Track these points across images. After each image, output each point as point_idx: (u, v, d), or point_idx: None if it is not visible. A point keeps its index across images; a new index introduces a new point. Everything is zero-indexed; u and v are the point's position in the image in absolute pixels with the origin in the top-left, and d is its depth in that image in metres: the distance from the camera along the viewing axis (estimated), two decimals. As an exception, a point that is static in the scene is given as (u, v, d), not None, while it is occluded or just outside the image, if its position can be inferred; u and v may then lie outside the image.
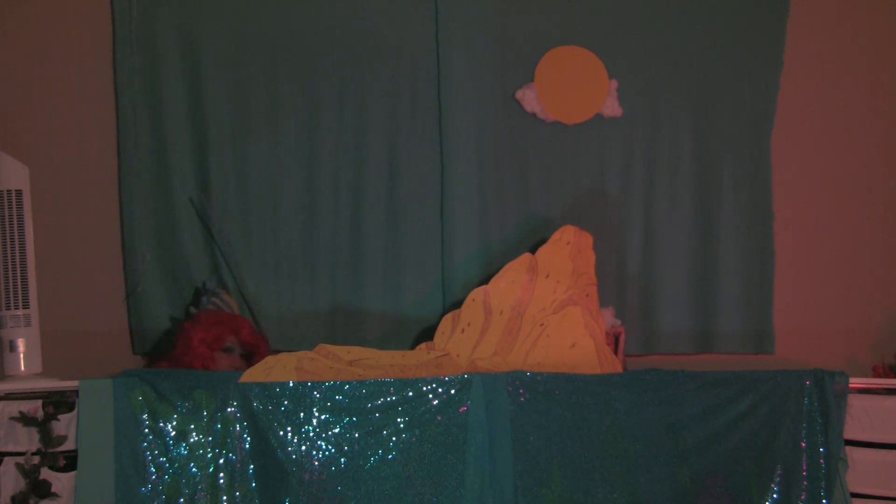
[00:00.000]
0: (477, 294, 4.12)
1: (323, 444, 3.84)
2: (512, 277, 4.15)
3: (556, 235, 4.24)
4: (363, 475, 3.84)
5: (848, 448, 4.19)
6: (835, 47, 4.86)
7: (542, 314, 4.16)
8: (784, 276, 4.80)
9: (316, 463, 3.82)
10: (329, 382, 3.87)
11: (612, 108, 4.67)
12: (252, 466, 3.82)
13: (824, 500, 4.13)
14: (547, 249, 4.21)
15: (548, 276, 4.18)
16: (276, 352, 4.09)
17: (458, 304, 4.26)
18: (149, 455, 3.76)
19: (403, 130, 4.58)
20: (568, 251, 4.22)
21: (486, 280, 4.31)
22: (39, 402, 3.75)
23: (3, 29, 4.35)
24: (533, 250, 4.27)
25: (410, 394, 3.91)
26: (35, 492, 3.70)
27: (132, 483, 3.73)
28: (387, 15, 4.55)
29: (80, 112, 4.40)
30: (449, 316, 4.11)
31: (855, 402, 4.19)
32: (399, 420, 3.88)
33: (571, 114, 4.66)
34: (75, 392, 3.76)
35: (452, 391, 3.94)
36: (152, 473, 3.76)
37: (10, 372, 3.91)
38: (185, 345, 4.00)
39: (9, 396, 3.76)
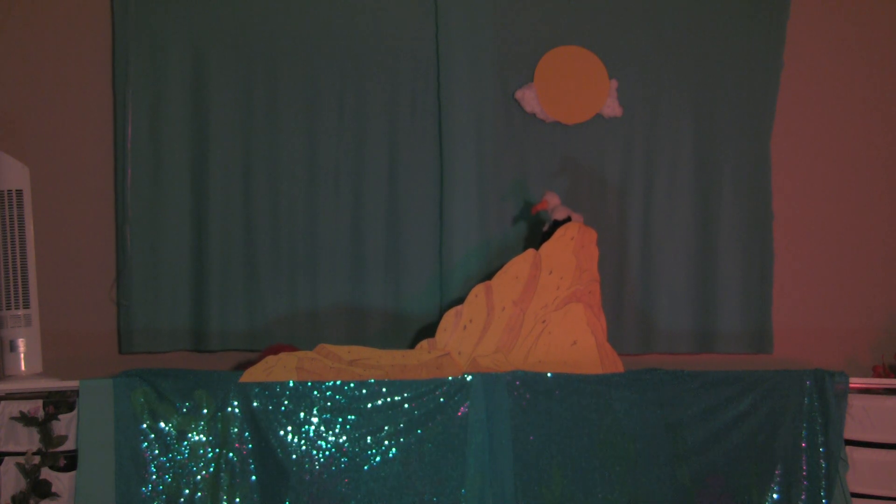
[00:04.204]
0: (479, 290, 4.12)
1: (323, 443, 3.84)
2: (515, 273, 4.14)
3: (559, 231, 4.23)
4: (363, 475, 3.84)
5: (848, 448, 4.19)
6: (835, 47, 4.87)
7: (544, 311, 4.16)
8: (784, 275, 4.80)
9: (316, 463, 3.82)
10: (329, 382, 3.87)
11: (612, 108, 4.67)
12: (252, 466, 3.82)
13: (824, 500, 4.14)
14: (551, 245, 4.20)
15: (551, 272, 4.17)
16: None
17: (455, 302, 4.27)
18: (149, 455, 3.76)
19: (403, 130, 4.58)
20: (572, 247, 4.22)
21: (484, 277, 4.31)
22: (40, 402, 3.75)
23: (3, 29, 4.35)
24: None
25: (411, 394, 3.91)
26: (35, 492, 3.70)
27: (132, 483, 3.73)
28: (387, 15, 4.56)
29: (79, 112, 4.40)
30: (451, 311, 4.10)
31: (855, 402, 4.20)
32: (399, 420, 3.89)
33: (571, 114, 4.66)
34: (76, 392, 3.76)
35: (453, 391, 3.94)
36: (152, 473, 3.75)
37: (11, 372, 3.91)
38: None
39: (9, 396, 3.76)
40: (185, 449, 3.78)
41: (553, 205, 4.37)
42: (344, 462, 3.84)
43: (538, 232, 4.47)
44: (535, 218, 4.54)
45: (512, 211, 4.64)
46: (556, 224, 4.30)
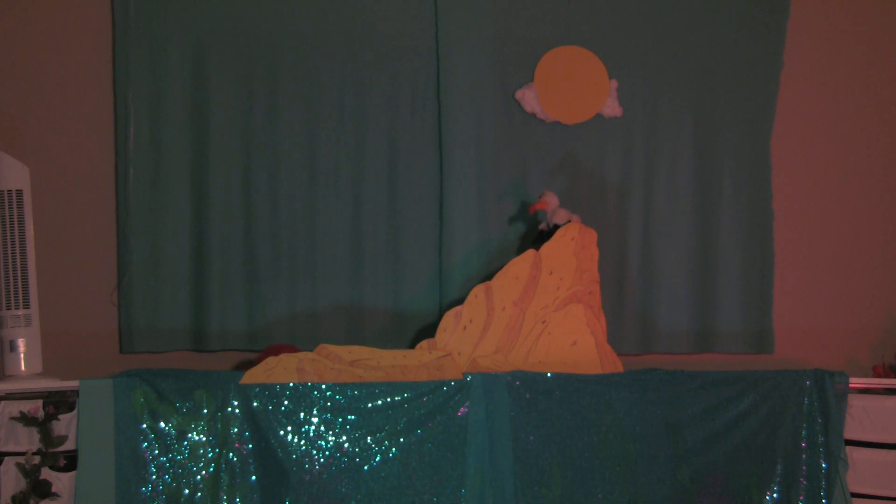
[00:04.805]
0: (479, 290, 4.11)
1: (323, 443, 3.84)
2: (516, 273, 4.14)
3: (560, 231, 4.24)
4: (363, 475, 3.84)
5: (848, 448, 4.20)
6: (835, 47, 4.87)
7: (544, 311, 4.16)
8: (784, 275, 4.81)
9: (316, 463, 3.82)
10: (329, 382, 3.87)
11: (612, 108, 4.67)
12: (252, 466, 3.81)
13: (824, 500, 4.14)
14: (551, 245, 4.20)
15: (551, 272, 4.17)
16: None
17: (455, 302, 4.26)
18: (149, 455, 3.75)
19: (403, 130, 4.58)
20: (572, 247, 4.22)
21: (484, 277, 4.31)
22: (40, 402, 3.75)
23: (3, 29, 4.34)
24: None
25: (411, 394, 3.91)
26: (35, 492, 3.70)
27: (132, 483, 3.73)
28: (387, 15, 4.56)
29: (80, 112, 4.40)
30: (451, 312, 4.10)
31: (855, 402, 4.20)
32: (399, 420, 3.88)
33: (571, 114, 4.66)
34: (76, 392, 3.76)
35: (452, 391, 3.94)
36: (152, 473, 3.75)
37: (11, 372, 3.91)
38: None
39: (9, 396, 3.76)
40: (185, 449, 3.78)
41: (553, 206, 4.37)
42: (344, 462, 3.84)
43: (535, 231, 4.47)
44: (533, 218, 4.54)
45: (511, 210, 4.64)
46: (557, 226, 4.30)
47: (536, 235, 4.41)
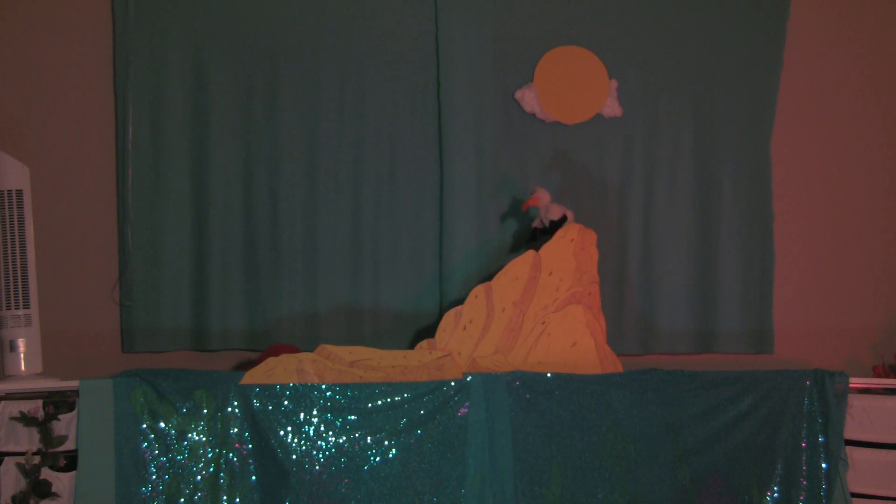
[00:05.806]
0: (479, 291, 4.11)
1: (323, 444, 3.84)
2: (515, 274, 4.14)
3: (560, 233, 4.24)
4: (363, 475, 3.84)
5: (848, 448, 4.20)
6: (835, 47, 4.87)
7: (544, 312, 4.16)
8: (784, 275, 4.81)
9: (316, 463, 3.82)
10: (329, 383, 3.87)
11: (612, 108, 4.67)
12: (252, 466, 3.81)
13: (824, 500, 4.14)
14: (551, 246, 4.20)
15: (551, 273, 4.17)
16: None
17: (455, 302, 4.26)
18: (149, 455, 3.75)
19: (403, 130, 4.59)
20: (572, 248, 4.22)
21: (483, 278, 4.31)
22: (40, 402, 3.75)
23: (3, 29, 4.35)
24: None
25: (411, 394, 3.91)
26: (35, 492, 3.70)
27: (132, 483, 3.73)
28: (387, 16, 4.56)
29: (80, 112, 4.40)
30: (451, 312, 4.10)
31: (855, 402, 4.20)
32: (399, 420, 3.88)
33: (571, 114, 4.66)
34: (76, 392, 3.76)
35: (453, 391, 3.94)
36: (152, 473, 3.75)
37: (11, 372, 3.91)
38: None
39: (9, 396, 3.76)
40: (185, 449, 3.78)
41: (545, 202, 4.36)
42: (344, 462, 3.84)
43: (529, 229, 4.47)
44: (525, 215, 4.54)
45: (503, 208, 4.64)
46: (553, 224, 4.29)
47: (531, 233, 4.42)
